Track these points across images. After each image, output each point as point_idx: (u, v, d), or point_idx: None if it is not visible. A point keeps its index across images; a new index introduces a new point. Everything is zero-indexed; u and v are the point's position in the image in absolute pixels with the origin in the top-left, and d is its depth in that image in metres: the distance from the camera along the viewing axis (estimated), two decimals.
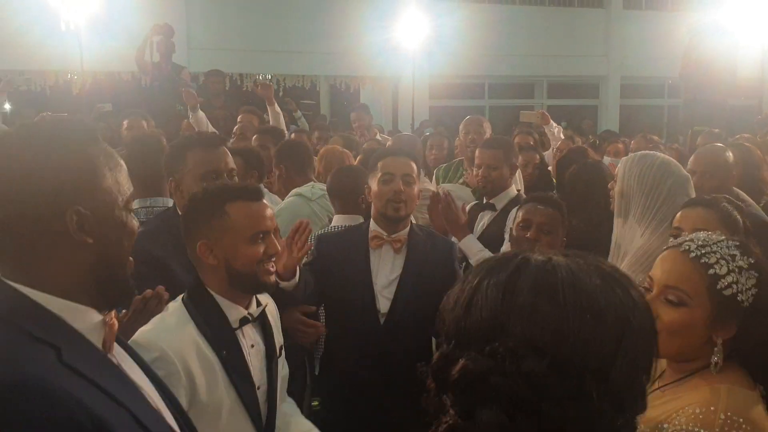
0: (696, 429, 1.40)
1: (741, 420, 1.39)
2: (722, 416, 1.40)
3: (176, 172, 2.53)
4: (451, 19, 11.66)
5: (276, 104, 6.11)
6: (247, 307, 1.98)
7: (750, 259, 1.53)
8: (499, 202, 3.65)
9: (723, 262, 1.52)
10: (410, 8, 10.72)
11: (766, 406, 1.48)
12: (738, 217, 2.26)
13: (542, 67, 13.65)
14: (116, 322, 1.26)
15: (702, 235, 1.60)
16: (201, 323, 1.88)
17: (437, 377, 0.95)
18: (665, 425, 1.45)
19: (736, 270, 1.51)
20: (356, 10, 11.60)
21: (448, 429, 0.92)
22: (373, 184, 2.78)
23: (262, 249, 1.95)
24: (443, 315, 1.01)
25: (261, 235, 1.95)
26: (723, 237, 1.59)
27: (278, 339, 2.10)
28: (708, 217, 2.23)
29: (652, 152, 2.85)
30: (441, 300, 1.14)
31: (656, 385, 1.64)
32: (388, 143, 4.89)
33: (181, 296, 1.97)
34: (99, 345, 1.21)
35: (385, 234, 2.75)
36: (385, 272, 2.74)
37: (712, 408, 1.42)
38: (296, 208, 3.54)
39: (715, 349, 1.52)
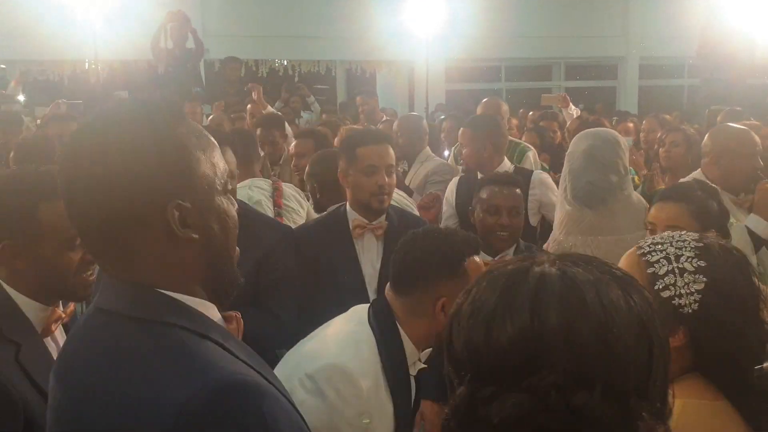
0: None
1: None
2: None
3: None
4: (466, 1, 11.57)
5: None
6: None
7: (701, 262, 1.38)
8: None
9: (664, 261, 1.40)
10: None
11: (743, 414, 1.35)
12: (713, 204, 2.22)
13: (559, 48, 13.49)
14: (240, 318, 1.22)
15: (671, 233, 1.49)
16: (386, 364, 1.77)
17: (464, 421, 0.87)
18: None
19: (677, 271, 1.38)
20: None
21: None
22: (353, 172, 2.63)
23: None
24: (451, 339, 0.92)
25: None
26: (689, 237, 1.45)
27: None
28: (680, 211, 2.19)
29: (586, 131, 3.04)
30: None
31: None
32: (395, 123, 4.89)
33: (364, 318, 1.85)
34: None
35: (366, 221, 2.65)
36: (372, 261, 2.66)
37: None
38: None
39: None
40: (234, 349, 1.03)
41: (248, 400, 0.92)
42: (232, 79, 8.11)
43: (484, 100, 4.99)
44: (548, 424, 0.81)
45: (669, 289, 1.37)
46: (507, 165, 3.83)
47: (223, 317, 1.14)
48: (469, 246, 1.90)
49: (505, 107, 4.91)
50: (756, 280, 1.43)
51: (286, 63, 12.49)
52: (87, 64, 10.49)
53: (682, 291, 1.37)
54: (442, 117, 6.83)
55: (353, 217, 2.66)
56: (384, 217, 2.69)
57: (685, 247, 1.41)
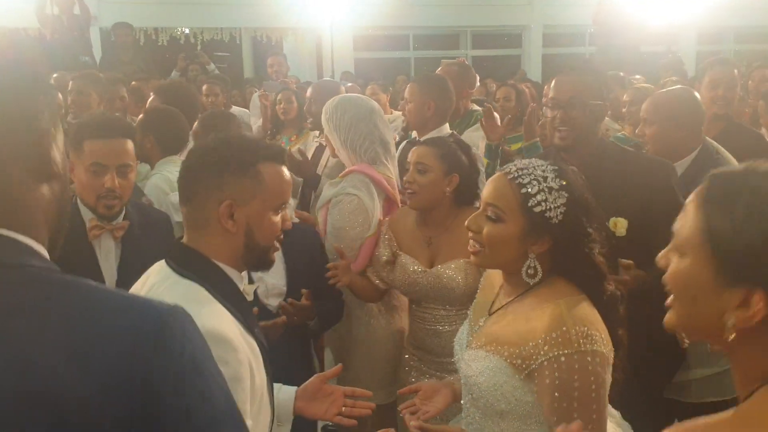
0: (562, 351, 1.61)
1: (586, 328, 1.64)
2: (573, 332, 1.62)
3: None
4: None
5: None
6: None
7: (561, 181, 1.73)
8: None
9: (535, 182, 1.72)
10: None
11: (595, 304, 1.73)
12: (462, 155, 2.62)
13: (466, 17, 13.57)
14: None
15: (526, 161, 1.80)
16: (222, 301, 1.59)
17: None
18: (526, 347, 1.66)
19: (546, 190, 1.71)
20: None
21: None
22: (79, 168, 2.40)
23: (280, 222, 1.72)
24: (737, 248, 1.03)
25: (284, 206, 1.73)
26: (542, 162, 1.78)
27: None
28: (427, 153, 2.60)
29: (338, 96, 3.16)
30: None
31: (497, 305, 1.86)
32: (309, 90, 4.50)
33: (169, 271, 1.64)
34: None
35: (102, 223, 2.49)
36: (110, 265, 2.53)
37: (564, 328, 1.63)
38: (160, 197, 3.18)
39: (528, 260, 1.74)
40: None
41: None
42: (125, 46, 7.78)
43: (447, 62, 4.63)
44: None
45: (541, 205, 1.71)
46: (445, 129, 3.62)
47: None
48: (266, 149, 1.70)
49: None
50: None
51: (187, 31, 12.10)
52: None
53: (551, 205, 1.71)
54: (349, 84, 6.75)
55: (89, 216, 2.47)
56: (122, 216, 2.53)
57: (547, 170, 1.74)
